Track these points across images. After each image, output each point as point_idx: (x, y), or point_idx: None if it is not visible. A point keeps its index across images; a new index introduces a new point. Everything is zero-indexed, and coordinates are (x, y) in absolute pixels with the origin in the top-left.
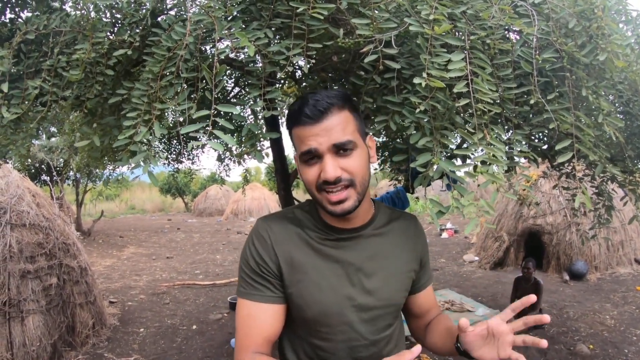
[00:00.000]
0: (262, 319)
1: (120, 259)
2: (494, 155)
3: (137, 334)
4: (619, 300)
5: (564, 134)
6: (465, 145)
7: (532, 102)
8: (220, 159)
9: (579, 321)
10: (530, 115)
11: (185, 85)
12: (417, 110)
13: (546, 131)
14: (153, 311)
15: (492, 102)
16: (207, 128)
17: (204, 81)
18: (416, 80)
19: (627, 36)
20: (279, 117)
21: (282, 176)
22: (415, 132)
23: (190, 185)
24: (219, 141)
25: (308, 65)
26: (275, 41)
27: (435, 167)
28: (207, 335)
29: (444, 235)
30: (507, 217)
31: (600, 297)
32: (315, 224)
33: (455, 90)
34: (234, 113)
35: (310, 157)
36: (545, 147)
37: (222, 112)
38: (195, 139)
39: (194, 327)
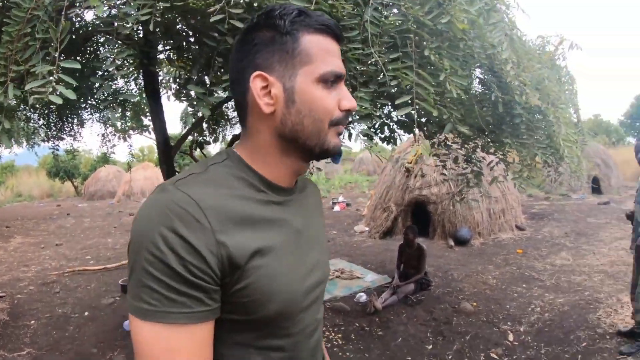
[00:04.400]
0: (192, 350)
1: (7, 251)
2: (365, 108)
3: (28, 327)
4: (501, 262)
5: (406, 91)
6: None
7: (372, 60)
8: (104, 135)
9: (463, 282)
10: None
11: (38, 47)
12: None
13: (393, 90)
14: (43, 302)
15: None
16: (52, 84)
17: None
18: None
19: (476, 2)
20: (161, 88)
21: (164, 149)
22: None
23: (80, 167)
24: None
25: (152, 24)
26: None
27: None
28: (99, 321)
29: (336, 208)
30: (394, 188)
31: (484, 260)
32: (252, 182)
33: None
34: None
35: (334, 79)
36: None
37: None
38: (40, 94)
39: (86, 313)
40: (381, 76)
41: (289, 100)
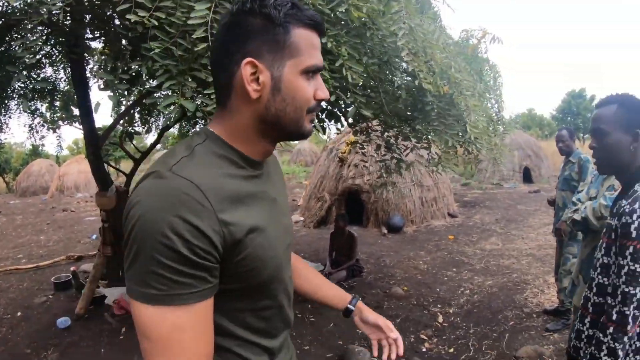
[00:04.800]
0: (197, 328)
1: None
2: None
3: None
4: (432, 248)
5: None
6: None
7: None
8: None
9: (395, 268)
10: None
11: None
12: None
13: None
14: None
15: None
16: None
17: None
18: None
19: None
20: (92, 77)
21: (91, 139)
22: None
23: (11, 162)
24: None
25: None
26: None
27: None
28: (32, 320)
29: None
30: (328, 178)
31: (415, 246)
32: (233, 159)
33: (194, 36)
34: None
35: (314, 71)
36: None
37: None
38: None
39: (19, 313)
40: None
41: (275, 88)
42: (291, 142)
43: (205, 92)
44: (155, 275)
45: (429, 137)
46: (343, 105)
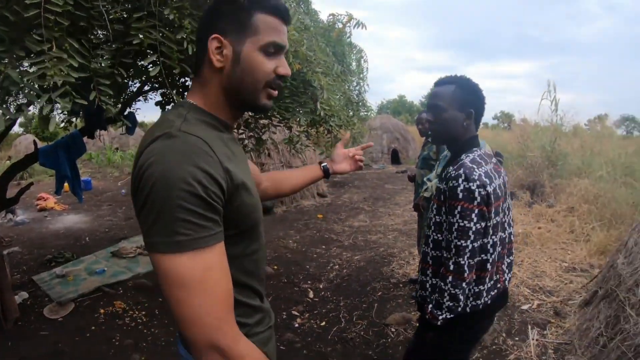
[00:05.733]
0: (221, 265)
1: None
2: (60, 69)
3: None
4: (302, 227)
5: (150, 50)
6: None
7: (112, 17)
8: None
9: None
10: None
11: None
12: None
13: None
14: None
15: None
16: None
17: None
18: None
19: None
20: None
21: None
22: None
23: None
24: None
25: None
26: None
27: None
28: None
29: None
30: None
31: (285, 226)
32: (215, 124)
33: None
34: None
35: (275, 50)
36: None
37: None
38: None
39: None
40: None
41: (235, 61)
42: (254, 113)
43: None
44: (182, 222)
45: (284, 115)
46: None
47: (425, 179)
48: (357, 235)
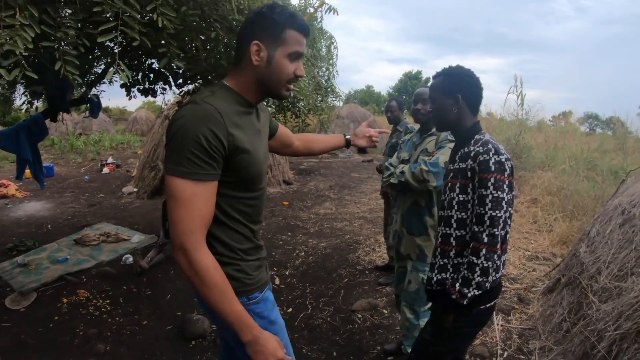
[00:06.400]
0: (206, 197)
1: None
2: (14, 40)
3: None
4: (268, 214)
5: (110, 18)
6: None
7: None
8: None
9: None
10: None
11: None
12: None
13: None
14: None
15: None
16: None
17: None
18: None
19: None
20: None
21: None
22: None
23: None
24: None
25: None
26: None
27: None
28: None
29: (105, 170)
30: (162, 146)
31: None
32: (238, 100)
33: None
34: None
35: (297, 57)
36: None
37: None
38: None
39: None
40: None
41: (268, 62)
42: (276, 99)
43: None
44: (187, 159)
45: None
46: (155, 60)
47: (387, 163)
48: (323, 223)
